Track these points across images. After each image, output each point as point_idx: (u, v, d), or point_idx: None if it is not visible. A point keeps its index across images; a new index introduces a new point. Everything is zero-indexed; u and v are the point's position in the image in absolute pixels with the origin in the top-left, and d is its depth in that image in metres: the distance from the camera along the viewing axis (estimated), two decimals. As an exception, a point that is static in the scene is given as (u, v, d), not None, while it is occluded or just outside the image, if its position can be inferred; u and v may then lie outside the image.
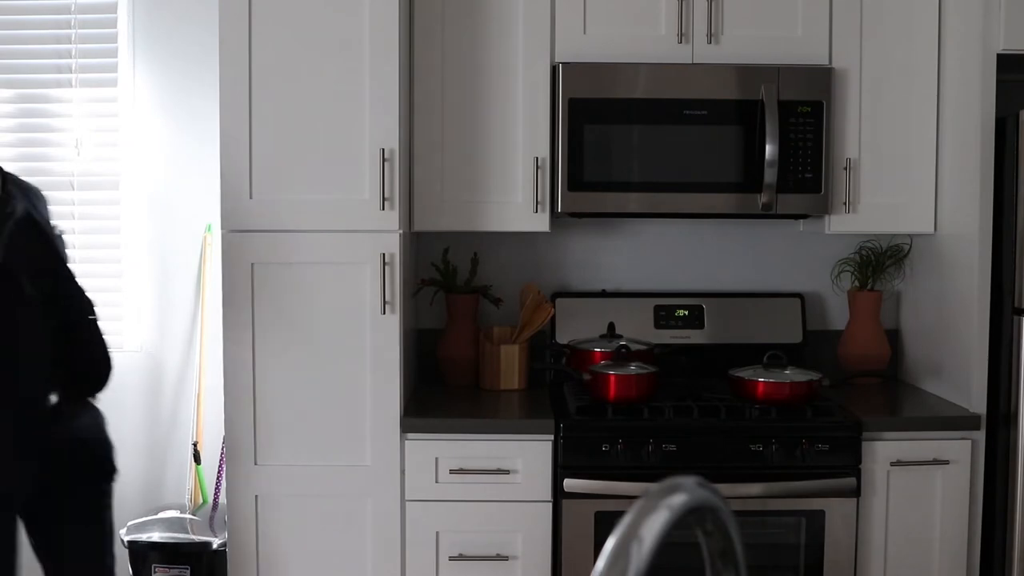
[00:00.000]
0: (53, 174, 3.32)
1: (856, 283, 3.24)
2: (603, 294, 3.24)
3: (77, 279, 2.46)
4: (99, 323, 2.51)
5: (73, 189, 3.32)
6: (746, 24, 2.89)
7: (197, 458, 3.29)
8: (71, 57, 3.30)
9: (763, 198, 2.84)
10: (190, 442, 3.31)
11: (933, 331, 3.03)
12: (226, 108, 2.64)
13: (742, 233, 3.31)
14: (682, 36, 2.87)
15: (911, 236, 3.15)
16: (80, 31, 3.30)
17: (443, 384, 3.11)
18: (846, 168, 2.92)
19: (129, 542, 3.05)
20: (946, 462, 2.69)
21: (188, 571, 3.02)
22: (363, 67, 2.65)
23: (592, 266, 3.30)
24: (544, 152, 2.89)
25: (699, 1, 2.87)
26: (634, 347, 2.88)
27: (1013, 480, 2.67)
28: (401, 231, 2.70)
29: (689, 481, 0.73)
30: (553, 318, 3.13)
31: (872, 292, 3.20)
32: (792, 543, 2.67)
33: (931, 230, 2.97)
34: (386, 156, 2.65)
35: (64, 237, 2.53)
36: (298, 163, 2.66)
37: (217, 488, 3.25)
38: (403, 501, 2.68)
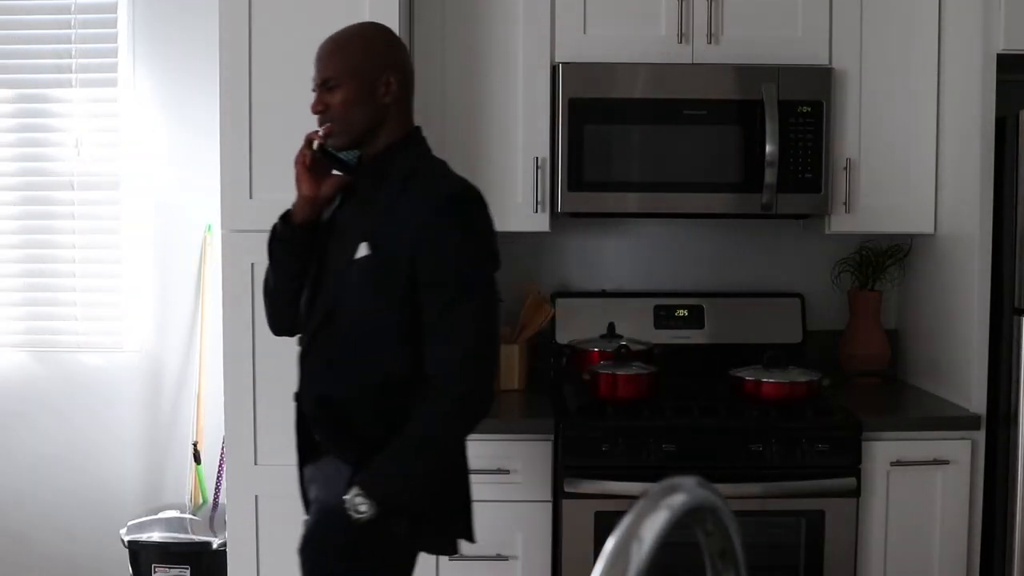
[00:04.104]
0: (53, 174, 3.32)
1: (856, 283, 3.24)
2: (603, 294, 3.24)
3: None
4: None
5: (73, 189, 3.32)
6: (746, 24, 2.89)
7: (197, 458, 3.29)
8: (71, 57, 3.30)
9: (763, 198, 2.84)
10: (190, 442, 3.31)
11: (933, 331, 3.03)
12: (226, 108, 2.64)
13: (742, 233, 3.30)
14: (682, 36, 2.87)
15: (911, 236, 3.14)
16: (80, 31, 3.29)
17: (443, 384, 3.10)
18: (846, 168, 2.92)
19: (129, 542, 3.05)
20: (946, 462, 2.69)
21: (188, 571, 3.02)
22: (363, 67, 2.65)
23: (592, 266, 3.30)
24: (544, 152, 2.89)
25: (699, 1, 2.87)
26: (634, 347, 2.88)
27: (1013, 480, 2.67)
28: (401, 231, 2.70)
29: (689, 481, 0.73)
30: (553, 318, 3.13)
31: (872, 292, 3.20)
32: (792, 543, 2.67)
33: (931, 230, 2.97)
34: (386, 156, 2.65)
35: None
36: (298, 163, 2.65)
37: (217, 488, 3.25)
38: (403, 501, 2.67)
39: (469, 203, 2.00)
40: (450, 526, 2.09)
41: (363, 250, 1.96)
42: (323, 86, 2.01)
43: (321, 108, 2.01)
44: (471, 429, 1.99)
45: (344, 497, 1.91)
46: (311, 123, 2.64)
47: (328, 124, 2.01)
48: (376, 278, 1.96)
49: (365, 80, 1.99)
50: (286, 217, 2.11)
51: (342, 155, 2.06)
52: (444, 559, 2.66)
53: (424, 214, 1.95)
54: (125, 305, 3.36)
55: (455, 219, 1.96)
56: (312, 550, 2.04)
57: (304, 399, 2.11)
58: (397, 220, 1.97)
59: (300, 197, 2.07)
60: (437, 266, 1.93)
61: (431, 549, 2.11)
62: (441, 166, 2.09)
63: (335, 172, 2.08)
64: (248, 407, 2.67)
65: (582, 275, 3.29)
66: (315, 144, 2.04)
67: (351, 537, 1.95)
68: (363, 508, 1.90)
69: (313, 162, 2.04)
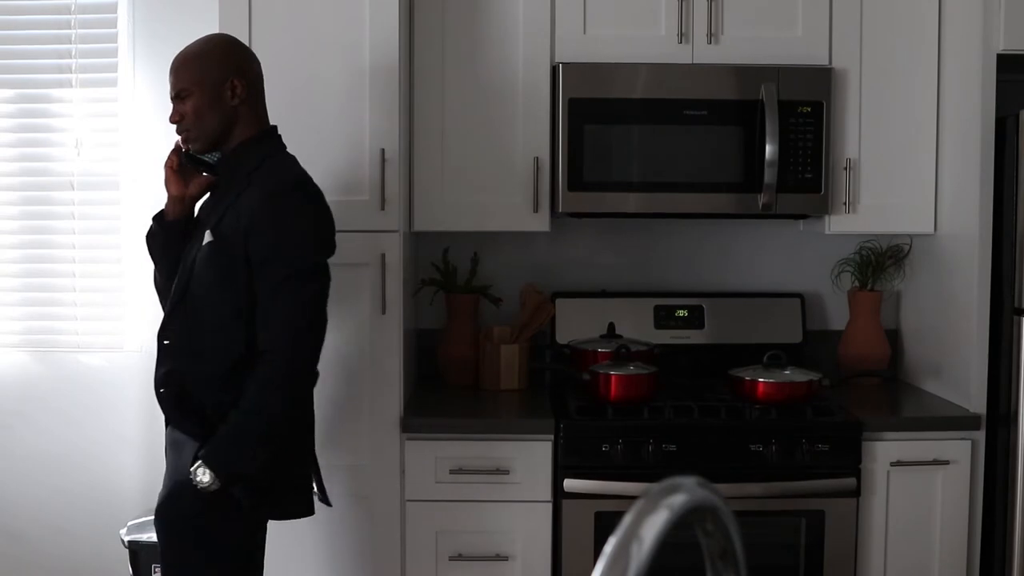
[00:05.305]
0: (53, 174, 3.32)
1: (856, 283, 3.24)
2: (603, 294, 3.24)
3: None
4: None
5: (73, 189, 3.32)
6: (746, 24, 2.89)
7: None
8: (71, 57, 3.29)
9: (763, 198, 2.84)
10: (190, 442, 3.31)
11: (933, 331, 3.03)
12: (226, 108, 2.64)
13: (742, 233, 3.30)
14: (682, 36, 2.87)
15: (911, 236, 3.15)
16: (80, 31, 3.29)
17: (443, 384, 3.11)
18: (846, 168, 2.92)
19: (129, 542, 3.05)
20: (946, 462, 2.69)
21: (188, 571, 3.01)
22: (363, 67, 2.65)
23: (592, 266, 3.30)
24: (544, 152, 2.89)
25: (699, 1, 2.87)
26: (634, 347, 2.88)
27: (1013, 480, 2.67)
28: (401, 231, 2.70)
29: (689, 481, 0.73)
30: (553, 318, 3.13)
31: (872, 292, 3.20)
32: (792, 543, 2.67)
33: (931, 230, 2.97)
34: (386, 156, 2.65)
35: None
36: (298, 163, 2.65)
37: (217, 488, 3.25)
38: (403, 501, 2.68)
39: (300, 192, 2.23)
40: (296, 491, 2.29)
41: (207, 237, 2.18)
42: (176, 97, 2.22)
43: (177, 118, 2.22)
44: (297, 400, 2.23)
45: (190, 469, 2.13)
46: (311, 124, 2.65)
47: (185, 132, 2.22)
48: (217, 263, 2.16)
49: (212, 87, 2.20)
50: (160, 216, 2.34)
51: (205, 157, 2.27)
52: (443, 558, 2.67)
53: (258, 201, 2.16)
54: (125, 305, 3.35)
55: (285, 206, 2.18)
56: (165, 518, 2.23)
57: (156, 375, 2.29)
58: (238, 209, 2.18)
59: (169, 197, 2.31)
60: (267, 249, 2.14)
61: (283, 515, 2.29)
62: (288, 161, 2.28)
63: (204, 173, 2.30)
64: (248, 407, 2.67)
65: (582, 275, 3.29)
66: (181, 149, 2.26)
67: (199, 507, 2.14)
68: (205, 479, 2.12)
69: (179, 165, 2.29)
